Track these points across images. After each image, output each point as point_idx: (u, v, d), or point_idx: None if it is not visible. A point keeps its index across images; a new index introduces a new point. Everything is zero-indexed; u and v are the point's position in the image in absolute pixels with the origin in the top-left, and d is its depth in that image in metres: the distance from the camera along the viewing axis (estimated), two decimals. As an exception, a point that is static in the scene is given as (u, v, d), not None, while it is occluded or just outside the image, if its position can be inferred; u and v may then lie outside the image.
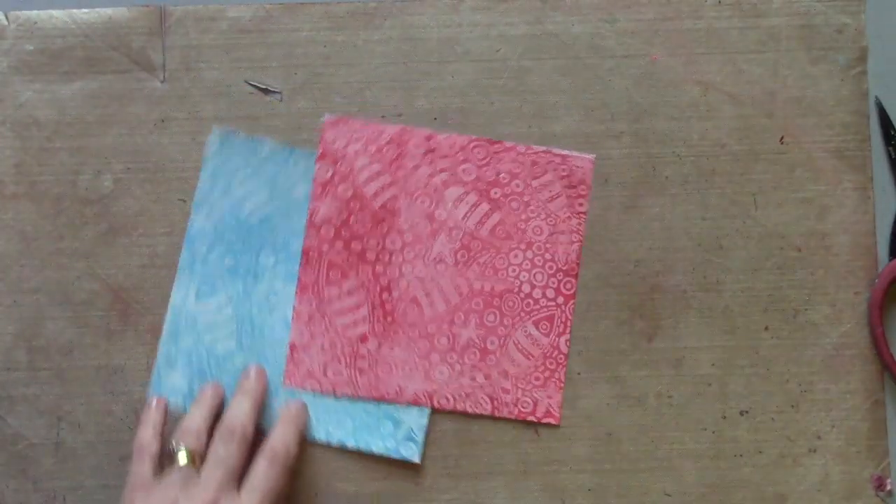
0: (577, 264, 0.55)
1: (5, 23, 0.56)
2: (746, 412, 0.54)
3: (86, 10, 0.56)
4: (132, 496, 0.49)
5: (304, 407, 0.54)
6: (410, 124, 0.55)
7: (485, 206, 0.55)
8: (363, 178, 0.55)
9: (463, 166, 0.55)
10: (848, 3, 0.56)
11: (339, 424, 0.54)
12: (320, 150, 0.55)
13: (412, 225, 0.55)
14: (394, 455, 0.53)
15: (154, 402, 0.53)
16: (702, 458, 0.54)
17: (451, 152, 0.55)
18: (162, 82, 0.56)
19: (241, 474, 0.50)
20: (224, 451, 0.50)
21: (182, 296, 0.54)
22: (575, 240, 0.55)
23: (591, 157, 0.55)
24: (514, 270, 0.55)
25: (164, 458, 0.51)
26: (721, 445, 0.54)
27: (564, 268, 0.55)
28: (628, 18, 0.56)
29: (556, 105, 0.56)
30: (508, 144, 0.55)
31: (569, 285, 0.55)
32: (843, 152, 0.55)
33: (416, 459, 0.53)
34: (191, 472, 0.49)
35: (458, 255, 0.55)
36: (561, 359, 0.54)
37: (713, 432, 0.54)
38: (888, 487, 0.54)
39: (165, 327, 0.54)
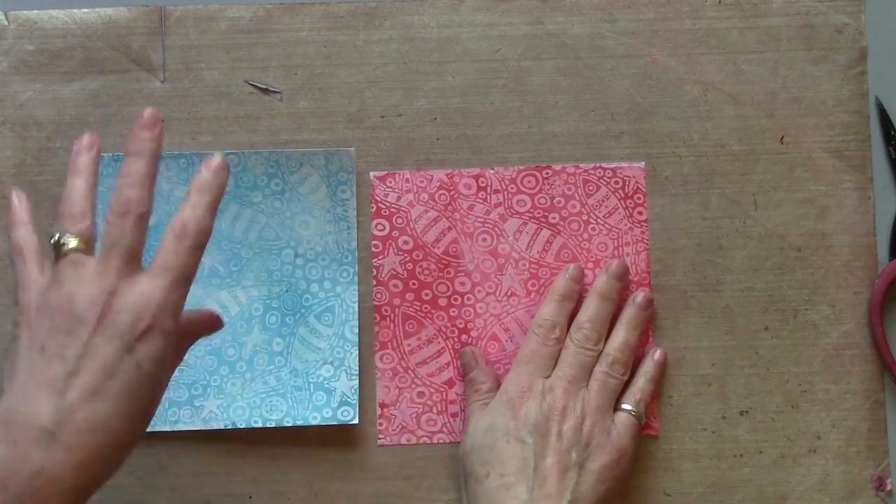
0: (649, 273, 0.54)
1: (5, 23, 0.56)
2: (746, 412, 0.54)
3: (86, 10, 0.56)
4: (25, 301, 0.43)
5: (222, 168, 0.45)
6: (410, 124, 0.56)
7: (546, 233, 0.55)
8: (421, 226, 0.55)
9: (516, 197, 0.55)
10: (848, 3, 0.56)
11: (273, 408, 0.54)
12: (374, 208, 0.55)
13: (478, 264, 0.55)
14: (333, 422, 0.53)
15: (15, 198, 0.46)
16: (702, 458, 0.54)
17: (503, 186, 0.55)
18: (162, 82, 0.56)
19: (142, 255, 0.44)
20: (119, 230, 0.43)
21: None
22: (641, 249, 0.55)
23: (641, 164, 0.55)
24: (587, 290, 0.54)
25: (49, 254, 0.44)
26: (721, 445, 0.54)
27: (636, 279, 0.54)
28: (628, 18, 0.56)
29: (556, 105, 0.56)
30: (557, 167, 0.55)
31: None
32: (843, 152, 0.55)
33: (355, 421, 0.53)
34: (82, 258, 0.43)
35: (529, 285, 0.55)
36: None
37: (713, 432, 0.54)
38: (888, 487, 0.54)
39: None
